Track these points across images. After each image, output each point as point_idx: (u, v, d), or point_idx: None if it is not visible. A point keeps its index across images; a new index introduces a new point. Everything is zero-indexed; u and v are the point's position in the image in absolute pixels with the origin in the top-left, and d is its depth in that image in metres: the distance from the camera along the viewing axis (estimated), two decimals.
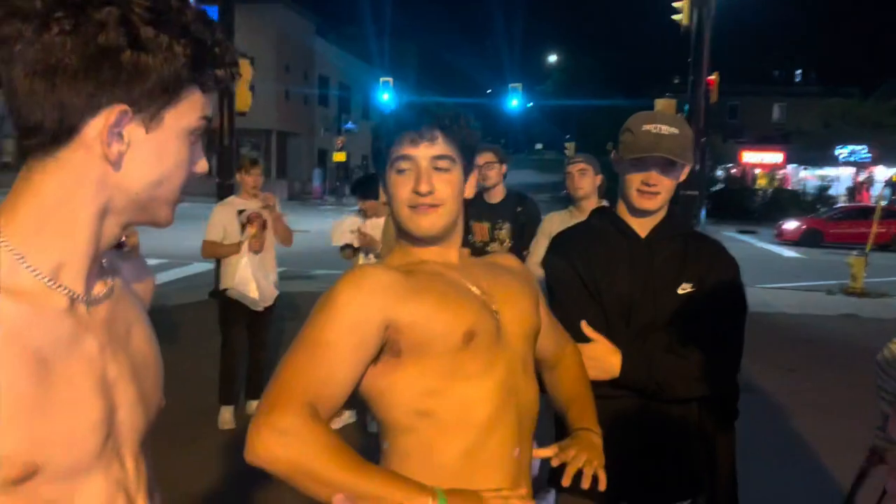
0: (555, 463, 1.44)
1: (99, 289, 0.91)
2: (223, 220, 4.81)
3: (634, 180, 1.88)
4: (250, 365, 5.09)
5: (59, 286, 0.84)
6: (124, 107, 0.81)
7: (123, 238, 4.00)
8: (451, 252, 1.40)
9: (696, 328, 1.80)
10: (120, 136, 0.83)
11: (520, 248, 4.09)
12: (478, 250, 4.08)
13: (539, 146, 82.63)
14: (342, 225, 4.98)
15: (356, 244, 4.82)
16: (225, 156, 9.10)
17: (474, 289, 1.38)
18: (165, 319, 7.46)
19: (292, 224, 5.25)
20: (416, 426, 1.28)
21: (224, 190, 8.34)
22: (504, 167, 4.21)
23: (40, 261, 0.83)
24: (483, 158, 4.11)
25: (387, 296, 1.26)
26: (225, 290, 4.82)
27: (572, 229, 2.09)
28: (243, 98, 9.44)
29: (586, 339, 1.75)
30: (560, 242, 2.03)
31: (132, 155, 0.84)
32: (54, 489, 0.81)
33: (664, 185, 1.84)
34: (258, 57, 19.49)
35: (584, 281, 1.85)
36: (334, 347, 1.22)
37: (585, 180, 3.93)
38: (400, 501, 1.13)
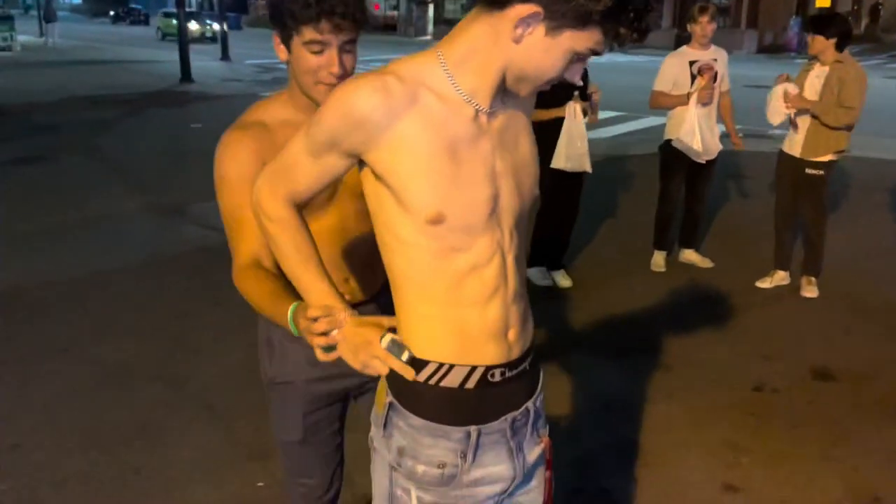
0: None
1: (498, 108, 1.22)
2: (673, 69, 4.85)
3: None
4: (685, 215, 5.23)
5: (471, 101, 1.17)
6: (540, 10, 1.06)
7: (589, 92, 4.38)
8: None
9: None
10: (527, 25, 1.08)
11: None
12: None
13: None
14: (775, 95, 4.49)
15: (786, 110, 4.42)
16: (686, 4, 8.86)
17: None
18: (617, 168, 7.92)
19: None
20: None
21: (682, 41, 8.22)
22: None
23: (463, 82, 1.16)
24: None
25: None
26: (669, 140, 4.95)
27: None
28: None
29: None
30: None
31: (528, 42, 1.10)
32: (458, 238, 1.18)
33: None
34: None
35: None
36: None
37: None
38: (311, 303, 1.28)
